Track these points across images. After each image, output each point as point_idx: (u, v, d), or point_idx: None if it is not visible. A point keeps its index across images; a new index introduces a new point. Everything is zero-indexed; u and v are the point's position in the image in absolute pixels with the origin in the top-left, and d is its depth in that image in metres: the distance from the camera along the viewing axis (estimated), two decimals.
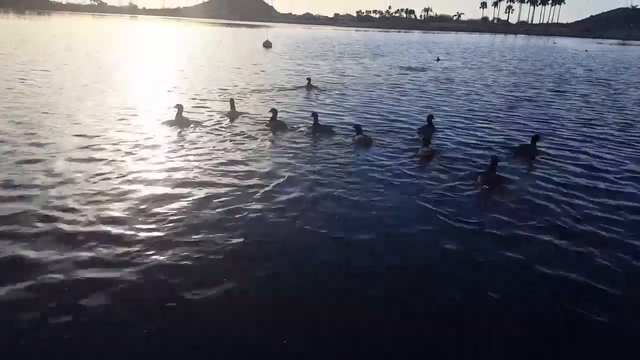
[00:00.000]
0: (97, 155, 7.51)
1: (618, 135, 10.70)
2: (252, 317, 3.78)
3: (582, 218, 5.85)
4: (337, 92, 15.85)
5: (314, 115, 9.61)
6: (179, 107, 9.79)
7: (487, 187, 6.73)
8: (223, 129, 9.68)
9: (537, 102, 15.16)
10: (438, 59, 31.40)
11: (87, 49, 27.87)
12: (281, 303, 3.99)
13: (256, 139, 9.01)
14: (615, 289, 4.30)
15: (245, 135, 9.23)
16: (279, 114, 10.14)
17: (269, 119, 9.93)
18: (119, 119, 10.11)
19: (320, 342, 3.53)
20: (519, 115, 12.71)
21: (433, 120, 10.08)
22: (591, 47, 69.06)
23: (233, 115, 10.78)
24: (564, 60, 38.60)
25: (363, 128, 9.25)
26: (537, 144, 8.67)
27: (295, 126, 10.00)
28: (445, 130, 10.47)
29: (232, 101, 11.18)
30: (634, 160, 8.60)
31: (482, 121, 11.61)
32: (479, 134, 10.29)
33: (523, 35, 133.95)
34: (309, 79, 16.58)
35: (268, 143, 8.81)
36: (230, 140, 8.84)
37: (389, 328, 3.71)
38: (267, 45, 38.28)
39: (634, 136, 10.71)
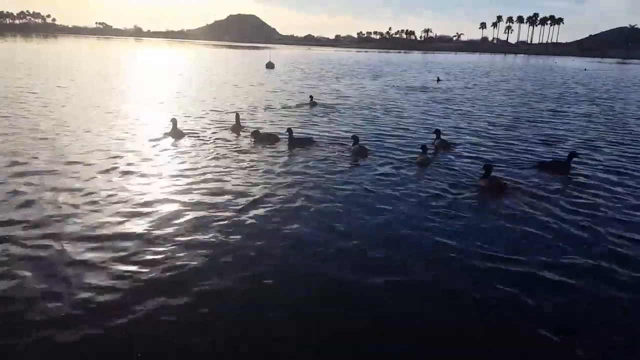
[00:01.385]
0: (92, 162, 8.14)
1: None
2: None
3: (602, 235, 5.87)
4: (337, 109, 16.28)
5: (289, 130, 9.94)
6: (174, 121, 10.51)
7: (484, 187, 7.44)
8: (218, 141, 10.23)
9: (536, 121, 14.91)
10: (438, 79, 31.37)
11: (93, 68, 28.04)
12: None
13: (247, 151, 9.43)
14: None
15: (239, 147, 9.72)
16: (270, 129, 10.92)
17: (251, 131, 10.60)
18: (121, 132, 10.82)
19: None
20: (519, 134, 12.41)
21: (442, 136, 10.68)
22: (591, 66, 69.40)
23: (237, 128, 11.37)
24: (564, 79, 38.65)
25: (361, 140, 9.81)
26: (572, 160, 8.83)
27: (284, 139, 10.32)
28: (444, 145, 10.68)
29: (237, 115, 11.74)
30: None
31: (481, 139, 11.32)
32: (477, 150, 10.13)
33: (523, 55, 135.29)
34: (311, 97, 17.37)
35: (260, 155, 9.24)
36: (223, 152, 9.34)
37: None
38: (270, 66, 38.90)
39: None
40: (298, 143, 9.90)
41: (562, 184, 8.03)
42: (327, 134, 11.66)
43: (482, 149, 10.66)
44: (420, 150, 8.99)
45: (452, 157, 9.70)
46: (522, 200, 7.02)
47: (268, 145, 9.94)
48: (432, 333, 3.84)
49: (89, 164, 8.04)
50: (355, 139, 9.61)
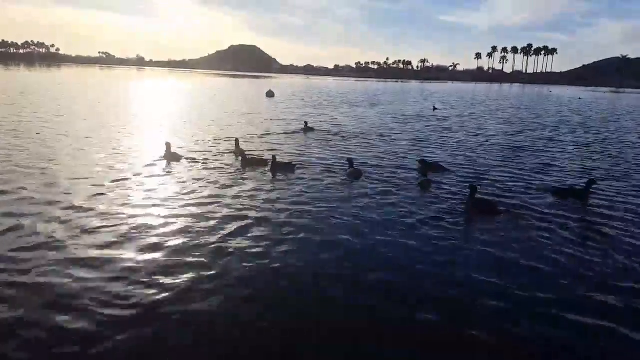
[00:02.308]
0: (90, 183, 8.52)
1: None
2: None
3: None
4: (332, 135, 16.63)
5: (273, 158, 10.19)
6: (168, 145, 10.95)
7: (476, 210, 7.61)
8: (210, 165, 10.64)
9: (533, 149, 14.81)
10: (434, 108, 31.55)
11: (92, 96, 28.23)
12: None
13: (239, 176, 9.68)
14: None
15: (232, 172, 10.01)
16: (263, 154, 11.39)
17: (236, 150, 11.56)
18: (115, 155, 11.28)
19: None
20: (519, 162, 12.27)
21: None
22: (586, 95, 70.34)
23: (237, 152, 11.76)
24: (559, 107, 38.99)
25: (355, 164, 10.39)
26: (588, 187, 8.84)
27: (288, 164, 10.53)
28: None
29: (237, 141, 12.21)
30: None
31: (480, 167, 11.17)
32: (475, 175, 9.82)
33: (518, 84, 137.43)
34: (306, 123, 17.99)
35: (251, 179, 9.47)
36: (216, 176, 9.63)
37: None
38: (270, 95, 39.45)
39: None
40: (280, 169, 10.13)
41: (580, 211, 8.00)
42: (320, 158, 11.99)
43: (481, 174, 10.56)
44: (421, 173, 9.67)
45: (448, 183, 9.66)
46: (531, 227, 7.01)
47: (260, 170, 10.21)
48: None
49: (81, 186, 8.29)
50: (350, 162, 10.10)
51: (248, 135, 15.79)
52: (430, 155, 12.85)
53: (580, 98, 58.93)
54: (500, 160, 12.91)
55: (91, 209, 7.00)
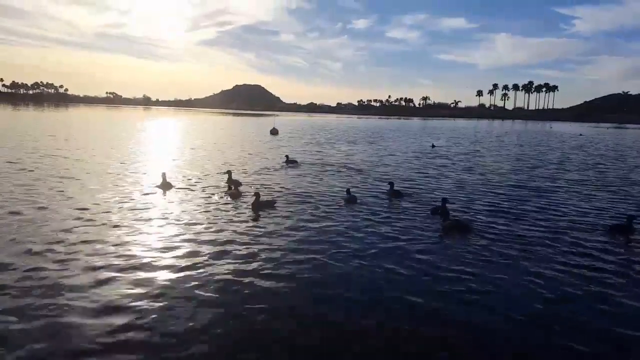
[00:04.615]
0: (88, 210, 9.44)
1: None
2: None
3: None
4: (326, 170, 17.55)
5: (257, 194, 10.44)
6: (163, 175, 12.40)
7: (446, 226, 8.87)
8: (202, 194, 11.79)
9: (532, 188, 14.14)
10: (433, 146, 31.17)
11: (101, 135, 28.18)
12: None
13: (230, 207, 10.40)
14: None
15: (222, 203, 10.85)
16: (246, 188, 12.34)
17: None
18: (121, 185, 12.53)
19: None
20: (519, 202, 11.60)
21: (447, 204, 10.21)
22: (589, 131, 70.29)
23: (230, 183, 12.60)
24: (560, 144, 38.65)
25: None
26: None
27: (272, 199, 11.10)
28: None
29: (229, 172, 13.08)
30: None
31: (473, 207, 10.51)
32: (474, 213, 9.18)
33: (520, 121, 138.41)
34: (287, 156, 19.12)
35: (237, 210, 10.24)
36: (206, 206, 10.51)
37: None
38: (274, 132, 39.86)
39: None
40: (262, 206, 10.37)
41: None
42: (306, 191, 12.83)
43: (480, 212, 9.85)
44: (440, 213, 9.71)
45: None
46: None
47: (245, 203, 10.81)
48: None
49: (75, 215, 9.07)
50: (347, 191, 11.78)
51: (246, 169, 16.90)
52: (423, 194, 12.33)
53: (581, 134, 58.70)
54: (501, 200, 12.22)
55: (75, 234, 7.84)
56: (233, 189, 11.94)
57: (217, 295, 5.60)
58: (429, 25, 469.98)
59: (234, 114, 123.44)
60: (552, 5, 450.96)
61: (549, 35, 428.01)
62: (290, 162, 18.31)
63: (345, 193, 11.79)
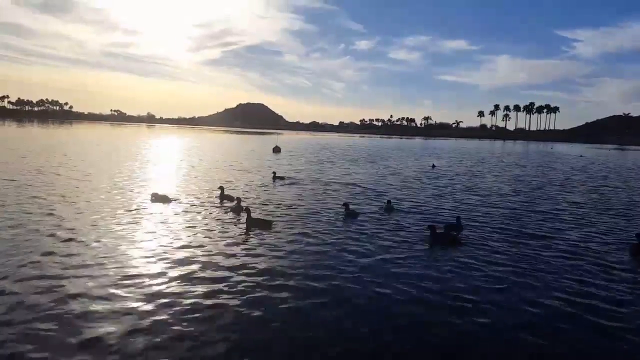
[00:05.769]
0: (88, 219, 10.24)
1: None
2: None
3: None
4: (324, 187, 17.91)
5: (247, 209, 10.76)
6: (155, 194, 13.17)
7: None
8: (197, 209, 12.29)
9: (536, 210, 14.10)
10: (433, 166, 31.18)
11: (104, 152, 28.38)
12: None
13: (222, 221, 10.97)
14: None
15: (215, 217, 11.44)
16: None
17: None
18: (109, 201, 12.80)
19: None
20: (520, 224, 11.55)
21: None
22: (590, 152, 70.32)
23: (223, 198, 13.37)
24: (562, 165, 38.68)
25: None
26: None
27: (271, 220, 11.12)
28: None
29: (221, 188, 13.78)
30: None
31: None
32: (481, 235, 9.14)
33: (521, 141, 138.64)
34: (274, 172, 20.01)
35: (230, 223, 10.83)
36: (199, 220, 11.05)
37: None
38: (277, 150, 40.34)
39: None
40: (254, 223, 10.42)
41: None
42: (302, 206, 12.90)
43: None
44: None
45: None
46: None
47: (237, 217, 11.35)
48: None
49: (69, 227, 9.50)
50: (346, 205, 12.25)
51: (243, 185, 17.38)
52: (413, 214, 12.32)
53: (581, 155, 58.75)
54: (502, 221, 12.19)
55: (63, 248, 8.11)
56: (235, 204, 12.21)
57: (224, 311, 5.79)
58: (431, 47, 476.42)
59: (238, 132, 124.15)
60: (553, 27, 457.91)
61: (550, 57, 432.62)
62: (277, 179, 19.10)
63: (343, 209, 12.17)
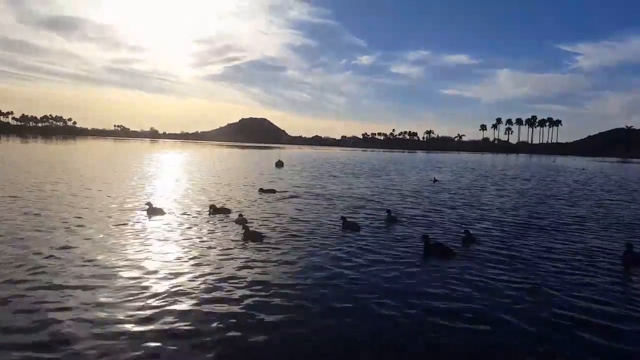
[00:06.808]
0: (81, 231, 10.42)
1: None
2: None
3: None
4: (329, 201, 18.10)
5: (243, 221, 11.05)
6: (149, 204, 13.40)
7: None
8: (194, 220, 12.51)
9: (541, 226, 13.86)
10: (435, 180, 30.91)
11: (104, 167, 28.43)
12: None
13: (216, 232, 11.13)
14: None
15: (209, 229, 11.50)
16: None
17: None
18: (116, 213, 13.20)
19: None
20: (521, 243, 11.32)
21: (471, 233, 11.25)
22: (593, 165, 70.03)
23: (216, 212, 13.67)
24: (564, 179, 38.43)
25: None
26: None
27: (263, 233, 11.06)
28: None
29: (212, 207, 13.93)
30: None
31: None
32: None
33: (524, 155, 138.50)
34: (261, 189, 20.11)
35: (222, 234, 10.93)
36: (192, 233, 11.10)
37: None
38: (279, 164, 40.21)
39: None
40: (250, 236, 10.43)
41: None
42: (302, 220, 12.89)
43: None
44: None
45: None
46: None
47: (231, 227, 11.53)
48: None
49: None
50: (343, 219, 12.50)
51: (249, 200, 17.53)
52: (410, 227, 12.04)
53: (584, 169, 58.43)
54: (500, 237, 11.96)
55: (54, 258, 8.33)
56: (239, 217, 12.25)
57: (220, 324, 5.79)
58: (432, 61, 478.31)
59: (240, 147, 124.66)
60: (553, 41, 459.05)
61: (552, 71, 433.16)
62: (265, 192, 19.47)
63: (341, 221, 12.40)
